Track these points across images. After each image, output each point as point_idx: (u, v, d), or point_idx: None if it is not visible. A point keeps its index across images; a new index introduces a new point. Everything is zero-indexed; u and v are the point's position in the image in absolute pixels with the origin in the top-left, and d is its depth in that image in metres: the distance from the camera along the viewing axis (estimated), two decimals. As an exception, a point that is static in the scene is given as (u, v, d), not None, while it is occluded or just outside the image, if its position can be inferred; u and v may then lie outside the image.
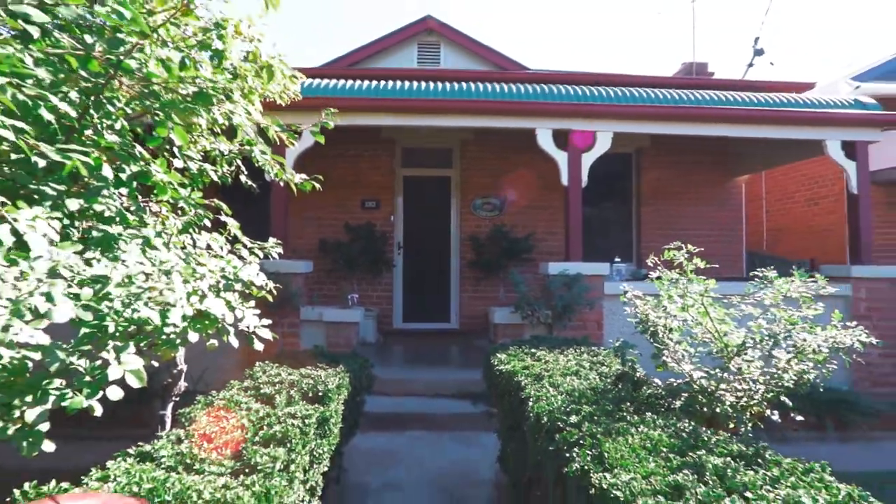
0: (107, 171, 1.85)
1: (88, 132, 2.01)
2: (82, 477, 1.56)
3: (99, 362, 1.34)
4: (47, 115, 1.36)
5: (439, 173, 7.89)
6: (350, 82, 5.69)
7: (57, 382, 1.26)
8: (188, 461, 1.64)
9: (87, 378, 1.30)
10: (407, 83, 5.73)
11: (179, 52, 2.05)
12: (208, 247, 2.35)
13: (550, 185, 6.69)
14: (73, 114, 1.54)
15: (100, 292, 1.39)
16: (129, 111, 2.27)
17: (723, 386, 2.12)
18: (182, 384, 2.75)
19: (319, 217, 7.36)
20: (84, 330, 1.32)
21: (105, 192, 1.96)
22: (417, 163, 7.87)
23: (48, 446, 1.32)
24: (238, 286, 2.17)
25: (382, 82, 5.75)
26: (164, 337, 1.69)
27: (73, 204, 1.77)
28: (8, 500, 1.39)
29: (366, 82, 5.71)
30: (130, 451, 1.75)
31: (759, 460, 1.54)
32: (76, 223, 1.86)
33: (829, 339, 2.01)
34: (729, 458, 1.51)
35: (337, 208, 7.37)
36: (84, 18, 1.78)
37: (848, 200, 5.76)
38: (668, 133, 5.71)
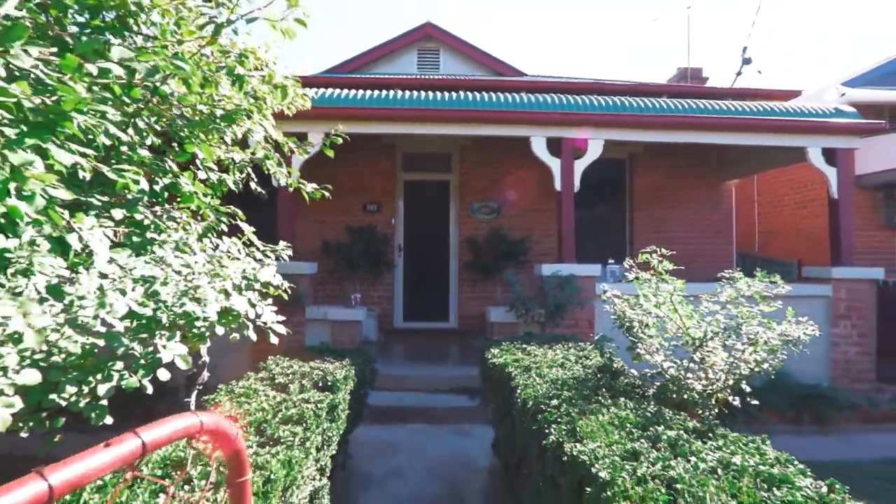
0: (143, 184, 2.12)
1: (124, 148, 2.27)
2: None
3: (150, 349, 1.60)
4: (105, 140, 1.61)
5: (439, 177, 8.14)
6: (353, 92, 5.95)
7: (119, 365, 1.51)
8: (219, 437, 1.90)
9: (142, 361, 1.56)
10: (408, 93, 6.00)
11: (206, 79, 2.31)
12: (228, 250, 2.61)
13: (546, 190, 6.94)
14: (124, 137, 1.79)
15: (149, 290, 1.65)
16: (158, 128, 2.53)
17: (690, 375, 2.38)
18: (206, 374, 3.01)
19: (322, 220, 7.61)
20: (137, 322, 1.58)
21: (140, 202, 2.23)
22: (417, 167, 8.13)
23: (109, 419, 1.59)
24: (257, 286, 2.43)
25: (384, 91, 6.02)
26: (194, 330, 1.95)
27: (118, 213, 2.04)
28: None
29: (368, 92, 5.97)
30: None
31: (710, 434, 1.80)
32: (117, 229, 2.12)
33: (781, 332, 2.27)
34: (683, 433, 1.77)
35: (339, 211, 7.63)
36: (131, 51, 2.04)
37: (829, 205, 6.01)
38: (657, 141, 5.97)
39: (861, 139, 5.95)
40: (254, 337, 2.31)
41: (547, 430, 1.91)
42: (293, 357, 3.43)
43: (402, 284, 7.97)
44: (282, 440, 1.84)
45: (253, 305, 2.25)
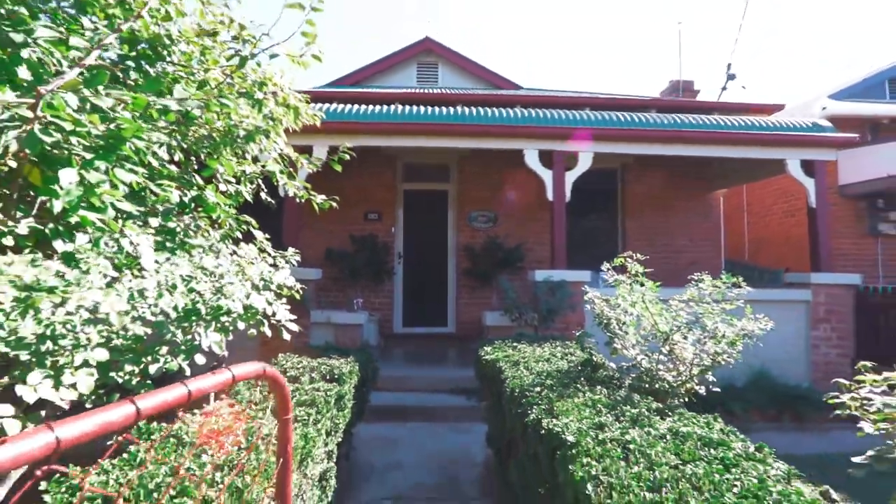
0: (175, 196, 2.41)
1: (155, 163, 2.57)
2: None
3: (189, 337, 1.88)
4: (153, 161, 1.91)
5: (437, 187, 8.45)
6: (356, 107, 6.28)
7: (164, 349, 1.79)
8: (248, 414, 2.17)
9: (182, 347, 1.84)
10: (408, 108, 6.32)
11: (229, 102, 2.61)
12: (246, 254, 2.90)
13: (541, 199, 7.23)
14: (165, 157, 2.09)
15: (188, 286, 1.93)
16: (183, 146, 2.82)
17: (660, 367, 2.66)
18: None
19: (326, 228, 7.91)
20: (180, 313, 1.86)
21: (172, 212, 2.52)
22: (417, 178, 8.44)
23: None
24: (273, 287, 2.72)
25: (385, 107, 6.34)
26: (220, 324, 2.23)
27: (154, 222, 2.33)
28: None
29: (370, 107, 6.30)
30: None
31: (669, 413, 2.08)
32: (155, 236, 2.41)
33: (741, 327, 2.55)
34: (645, 411, 2.05)
35: (342, 220, 7.92)
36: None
37: (808, 214, 6.32)
38: (644, 153, 6.29)
39: (837, 152, 6.27)
40: (269, 333, 2.60)
41: (529, 411, 2.19)
42: (300, 356, 3.70)
43: (401, 291, 8.24)
44: (298, 419, 2.11)
45: (270, 304, 2.54)
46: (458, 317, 8.17)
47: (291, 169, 3.38)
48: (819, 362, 5.95)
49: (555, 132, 5.94)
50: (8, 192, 1.61)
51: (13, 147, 1.27)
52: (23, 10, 1.55)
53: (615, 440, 1.66)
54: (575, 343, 3.62)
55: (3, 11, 1.48)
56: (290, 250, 3.28)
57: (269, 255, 3.13)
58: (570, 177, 5.99)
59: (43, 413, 1.51)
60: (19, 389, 1.15)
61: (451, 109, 6.32)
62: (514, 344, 3.67)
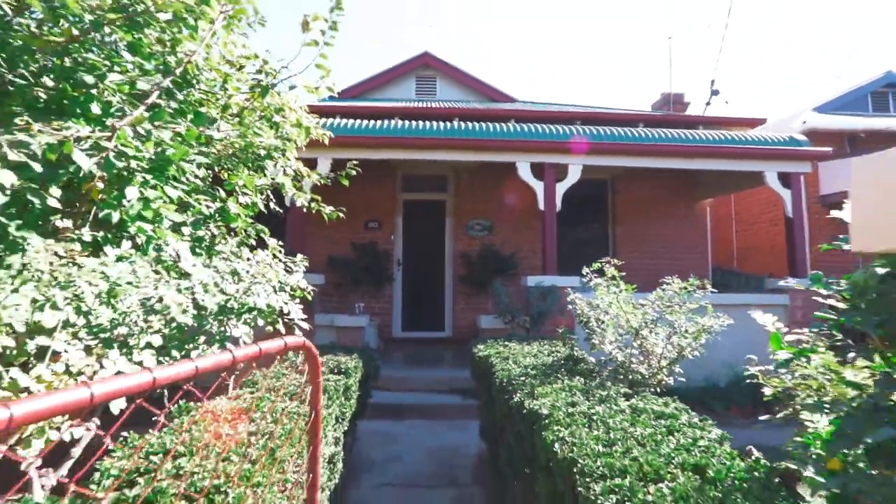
0: (205, 208, 2.75)
1: (193, 179, 2.90)
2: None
3: (223, 328, 2.20)
4: (193, 179, 2.24)
5: (435, 197, 8.81)
6: (358, 122, 6.64)
7: (202, 339, 2.11)
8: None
9: (217, 336, 2.16)
10: (407, 123, 6.69)
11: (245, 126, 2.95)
12: (264, 259, 3.22)
13: (534, 209, 7.59)
14: (200, 174, 2.42)
15: (218, 285, 2.26)
16: (207, 162, 3.16)
17: (633, 360, 2.98)
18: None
19: (328, 236, 8.23)
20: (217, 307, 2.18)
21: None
22: (416, 188, 8.79)
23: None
24: (287, 288, 3.04)
25: (386, 122, 6.71)
26: (245, 319, 2.55)
27: (186, 230, 2.66)
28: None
29: (371, 122, 6.66)
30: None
31: (634, 397, 2.40)
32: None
33: (703, 324, 2.88)
34: (613, 394, 2.37)
35: (344, 228, 8.24)
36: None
37: (785, 223, 6.68)
38: (631, 166, 6.66)
39: (811, 164, 6.65)
40: (283, 330, 2.91)
41: (515, 396, 2.51)
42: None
43: (400, 297, 8.55)
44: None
45: (285, 303, 2.86)
46: (455, 322, 8.48)
47: (299, 181, 3.71)
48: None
49: (545, 146, 6.31)
50: (77, 207, 1.94)
51: (95, 171, 1.60)
52: (92, 56, 1.89)
53: (582, 413, 1.98)
54: (560, 341, 3.94)
55: (78, 59, 1.82)
56: (299, 256, 3.60)
57: (280, 260, 3.45)
58: (561, 188, 6.35)
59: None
60: (105, 362, 1.46)
61: (449, 124, 6.68)
62: (506, 343, 3.99)
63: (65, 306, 1.34)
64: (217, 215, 3.03)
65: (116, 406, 1.56)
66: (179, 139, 1.94)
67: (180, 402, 2.24)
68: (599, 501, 1.31)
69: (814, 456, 1.35)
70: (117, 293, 1.50)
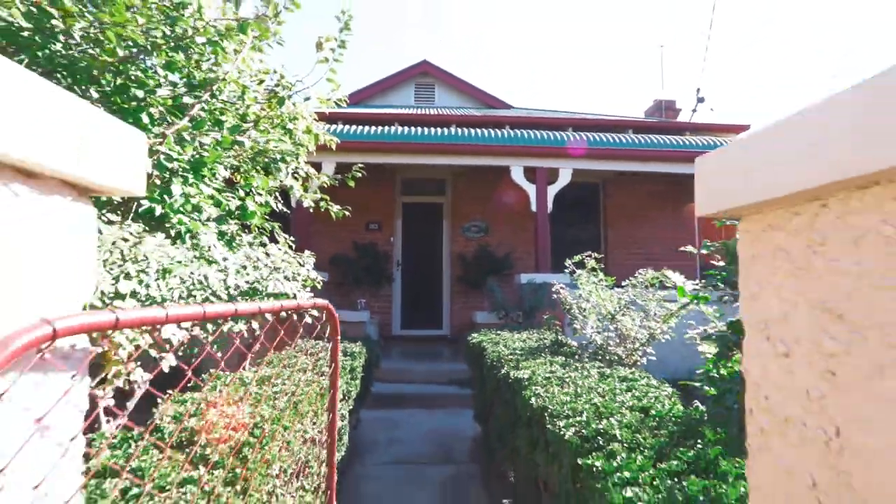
0: (233, 204, 3.09)
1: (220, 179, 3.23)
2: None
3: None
4: (223, 173, 2.58)
5: (433, 200, 9.17)
6: (359, 128, 7.01)
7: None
8: (281, 375, 2.83)
9: (244, 315, 2.50)
10: (407, 128, 7.06)
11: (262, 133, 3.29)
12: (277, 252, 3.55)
13: (529, 211, 7.97)
14: (227, 175, 2.77)
15: (245, 273, 2.60)
16: (236, 163, 3.49)
17: (610, 342, 3.33)
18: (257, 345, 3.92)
19: (331, 236, 8.58)
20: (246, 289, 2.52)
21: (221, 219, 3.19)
22: (414, 191, 9.15)
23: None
24: (300, 278, 3.37)
25: (386, 127, 7.08)
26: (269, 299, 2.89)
27: (212, 225, 3.00)
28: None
29: (372, 128, 7.03)
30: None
31: (610, 368, 2.74)
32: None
33: (669, 310, 3.23)
34: (588, 366, 2.72)
35: (345, 229, 8.59)
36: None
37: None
38: (618, 169, 7.03)
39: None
40: (295, 317, 3.24)
41: (502, 370, 2.85)
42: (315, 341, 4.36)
43: (399, 296, 8.89)
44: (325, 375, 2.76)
45: (297, 291, 3.20)
46: (452, 320, 8.82)
47: (307, 183, 4.06)
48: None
49: (537, 151, 6.68)
50: (124, 203, 2.28)
51: (150, 170, 1.94)
52: (138, 73, 2.24)
53: (558, 377, 2.33)
54: (547, 329, 4.29)
55: (131, 76, 2.17)
56: (307, 252, 3.94)
57: (293, 255, 3.79)
58: (552, 190, 6.71)
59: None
60: (163, 330, 1.80)
61: (446, 130, 7.06)
62: (498, 332, 4.34)
63: (133, 278, 1.68)
64: (237, 212, 3.37)
65: (166, 364, 1.90)
66: (217, 145, 2.28)
67: (212, 371, 2.58)
68: (562, 433, 1.65)
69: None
70: (172, 270, 1.84)
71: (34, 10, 1.96)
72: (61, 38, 2.04)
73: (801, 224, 0.77)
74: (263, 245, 3.73)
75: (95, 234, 0.91)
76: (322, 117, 4.22)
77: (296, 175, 3.95)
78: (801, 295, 0.77)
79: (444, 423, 5.28)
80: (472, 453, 4.44)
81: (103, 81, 2.22)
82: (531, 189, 6.72)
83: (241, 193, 3.49)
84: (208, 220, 3.01)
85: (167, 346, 1.96)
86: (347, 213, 3.96)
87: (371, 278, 8.34)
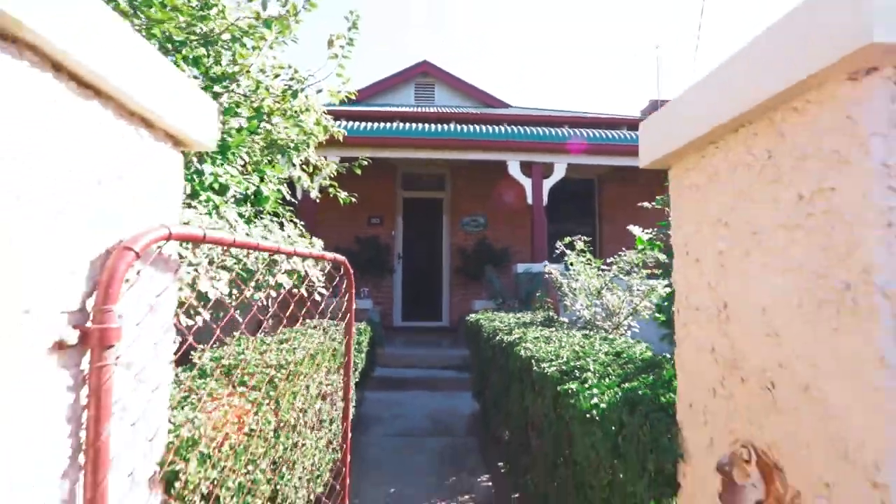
0: (252, 186, 3.36)
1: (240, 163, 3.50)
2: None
3: (271, 279, 2.82)
4: (243, 157, 2.86)
5: (433, 195, 9.45)
6: (362, 124, 7.29)
7: (252, 284, 2.73)
8: (295, 342, 3.11)
9: (265, 283, 2.77)
10: (407, 124, 7.35)
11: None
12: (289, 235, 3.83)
13: (525, 206, 8.25)
14: (247, 159, 3.05)
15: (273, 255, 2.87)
16: (260, 146, 3.75)
17: (597, 317, 3.61)
18: (269, 321, 4.20)
19: (334, 227, 8.84)
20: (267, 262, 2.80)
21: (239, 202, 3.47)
22: (415, 186, 9.43)
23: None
24: (311, 260, 3.64)
25: (387, 123, 7.36)
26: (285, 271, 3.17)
27: (232, 206, 3.27)
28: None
29: (374, 124, 7.32)
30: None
31: (593, 336, 3.02)
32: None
33: (651, 285, 3.52)
34: (576, 333, 3.00)
35: (348, 222, 8.88)
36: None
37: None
38: (609, 164, 7.32)
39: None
40: (305, 294, 3.52)
41: (496, 338, 3.13)
42: (323, 324, 4.63)
43: (400, 288, 9.16)
44: (335, 339, 3.04)
45: (309, 269, 3.47)
46: (451, 313, 9.09)
47: (313, 174, 4.34)
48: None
49: (533, 146, 6.97)
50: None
51: (187, 150, 2.23)
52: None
53: (546, 337, 2.61)
54: (539, 307, 4.57)
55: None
56: (315, 240, 4.21)
57: (304, 237, 4.05)
58: (547, 184, 7.00)
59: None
60: (200, 284, 2.08)
61: (446, 126, 7.34)
62: (495, 312, 4.62)
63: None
64: (252, 196, 3.64)
65: (213, 293, 2.17)
66: (240, 130, 2.55)
67: (235, 333, 2.85)
68: (546, 370, 1.93)
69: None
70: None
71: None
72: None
73: (704, 163, 1.06)
74: (282, 226, 3.99)
75: (183, 177, 1.18)
76: (325, 113, 4.51)
77: (304, 166, 4.23)
78: (705, 214, 1.05)
79: (444, 404, 5.55)
80: (469, 427, 4.71)
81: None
82: (527, 182, 7.00)
83: (256, 179, 3.77)
84: (230, 200, 3.28)
85: (201, 304, 2.23)
86: (354, 199, 4.24)
87: (373, 271, 8.61)
